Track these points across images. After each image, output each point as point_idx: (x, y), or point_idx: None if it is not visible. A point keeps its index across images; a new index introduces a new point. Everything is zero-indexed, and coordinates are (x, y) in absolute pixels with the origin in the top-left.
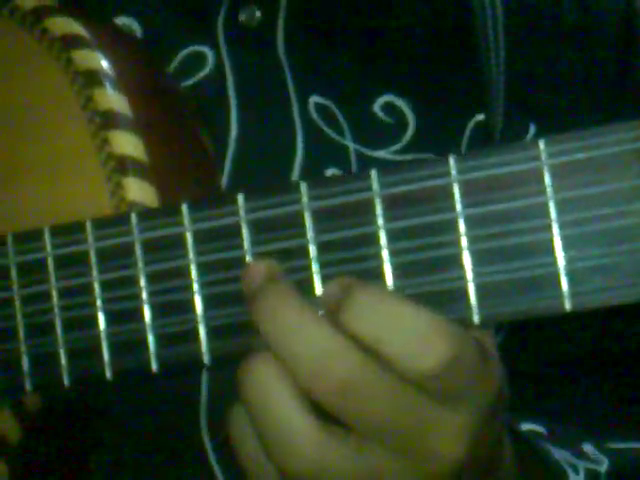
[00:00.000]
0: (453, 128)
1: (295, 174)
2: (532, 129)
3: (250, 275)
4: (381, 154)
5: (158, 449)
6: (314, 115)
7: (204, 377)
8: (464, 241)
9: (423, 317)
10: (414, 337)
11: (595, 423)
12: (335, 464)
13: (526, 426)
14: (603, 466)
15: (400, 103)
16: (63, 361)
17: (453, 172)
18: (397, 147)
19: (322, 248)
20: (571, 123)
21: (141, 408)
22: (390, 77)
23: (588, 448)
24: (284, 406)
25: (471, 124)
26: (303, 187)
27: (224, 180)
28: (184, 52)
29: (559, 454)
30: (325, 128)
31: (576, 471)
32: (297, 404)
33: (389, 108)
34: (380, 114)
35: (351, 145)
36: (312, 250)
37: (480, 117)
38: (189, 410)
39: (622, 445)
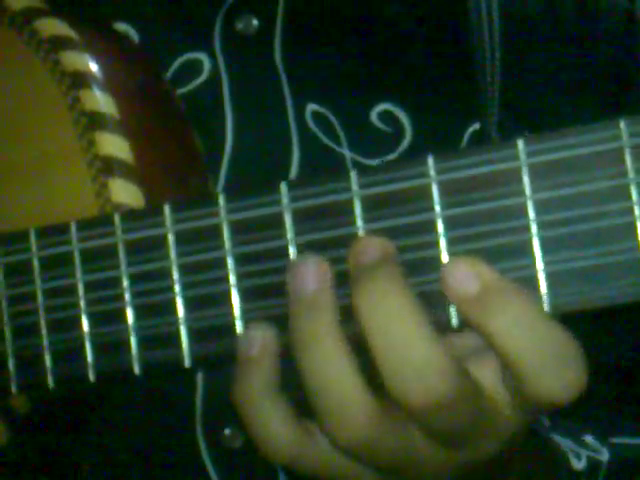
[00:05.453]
0: (450, 137)
1: None
2: None
3: (362, 250)
4: (376, 163)
5: (152, 450)
6: (311, 123)
7: (200, 377)
8: (442, 242)
9: (570, 343)
10: (558, 364)
11: (596, 419)
12: (383, 437)
13: None
14: (604, 457)
15: (397, 112)
16: (47, 363)
17: (432, 172)
18: (393, 156)
19: (302, 249)
20: None
21: (135, 408)
22: (387, 85)
23: (589, 439)
24: (343, 382)
25: (468, 133)
26: (283, 188)
27: (219, 188)
28: (181, 59)
29: (561, 441)
30: (321, 136)
31: (578, 457)
32: (355, 380)
33: (386, 117)
34: (377, 123)
35: (347, 153)
36: (292, 250)
37: (477, 126)
38: (184, 410)
39: (623, 440)
